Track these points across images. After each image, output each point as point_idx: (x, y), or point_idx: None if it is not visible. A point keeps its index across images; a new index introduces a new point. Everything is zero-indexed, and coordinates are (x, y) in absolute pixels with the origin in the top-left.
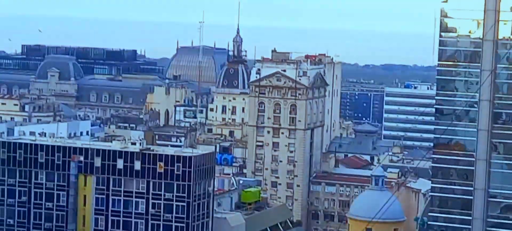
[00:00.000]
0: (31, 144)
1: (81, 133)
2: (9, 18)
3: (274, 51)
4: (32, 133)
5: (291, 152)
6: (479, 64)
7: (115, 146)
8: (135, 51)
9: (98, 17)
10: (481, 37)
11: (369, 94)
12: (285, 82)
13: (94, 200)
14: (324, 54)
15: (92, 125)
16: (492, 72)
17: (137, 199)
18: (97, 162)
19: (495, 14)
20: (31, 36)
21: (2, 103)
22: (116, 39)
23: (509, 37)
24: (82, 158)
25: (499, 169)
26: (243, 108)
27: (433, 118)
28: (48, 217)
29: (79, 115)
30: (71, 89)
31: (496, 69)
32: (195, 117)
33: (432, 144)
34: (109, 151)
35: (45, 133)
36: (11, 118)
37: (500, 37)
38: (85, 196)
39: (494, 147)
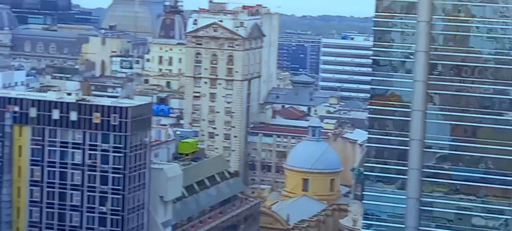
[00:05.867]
0: None
1: (16, 83)
2: None
3: (211, 1)
4: None
5: (228, 102)
6: (416, 15)
7: (51, 96)
8: (69, 1)
9: None
10: None
11: (306, 46)
12: (222, 33)
13: (30, 150)
14: (261, 5)
15: (27, 75)
16: (428, 23)
17: (73, 150)
18: (33, 112)
19: None
20: None
21: None
22: None
23: None
24: (17, 108)
25: (435, 120)
26: (179, 59)
27: (369, 69)
28: None
29: (14, 65)
30: (5, 39)
31: (432, 21)
32: (131, 68)
33: (368, 95)
34: (44, 101)
35: None
36: None
37: None
38: (20, 147)
39: (430, 97)
